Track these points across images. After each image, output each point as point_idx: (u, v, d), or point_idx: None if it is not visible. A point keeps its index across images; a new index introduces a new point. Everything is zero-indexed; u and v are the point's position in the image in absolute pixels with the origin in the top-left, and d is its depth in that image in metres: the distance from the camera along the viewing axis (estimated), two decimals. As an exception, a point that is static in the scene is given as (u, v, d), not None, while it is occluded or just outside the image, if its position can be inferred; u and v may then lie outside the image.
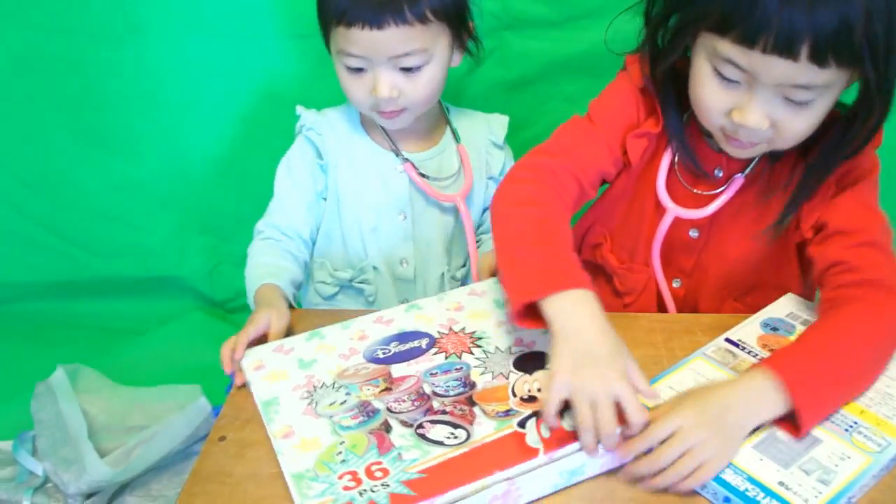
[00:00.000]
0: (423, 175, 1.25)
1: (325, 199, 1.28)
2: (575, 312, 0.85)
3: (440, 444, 0.81)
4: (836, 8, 0.80)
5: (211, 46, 1.60)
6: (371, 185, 1.26)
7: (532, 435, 0.82)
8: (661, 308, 1.16)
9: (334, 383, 0.91)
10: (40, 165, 1.75)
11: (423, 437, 0.83)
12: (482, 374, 0.91)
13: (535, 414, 0.84)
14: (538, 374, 0.90)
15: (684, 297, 1.15)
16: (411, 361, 0.94)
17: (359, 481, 0.78)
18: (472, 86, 1.54)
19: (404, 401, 0.88)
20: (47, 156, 1.74)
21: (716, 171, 1.06)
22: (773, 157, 1.02)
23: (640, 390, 0.81)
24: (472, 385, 0.90)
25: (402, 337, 0.98)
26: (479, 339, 0.97)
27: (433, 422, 0.84)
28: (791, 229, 1.04)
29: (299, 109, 1.27)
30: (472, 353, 0.95)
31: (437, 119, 1.30)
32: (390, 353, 0.95)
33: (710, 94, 0.93)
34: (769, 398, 0.82)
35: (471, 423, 0.84)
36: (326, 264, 1.29)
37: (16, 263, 1.82)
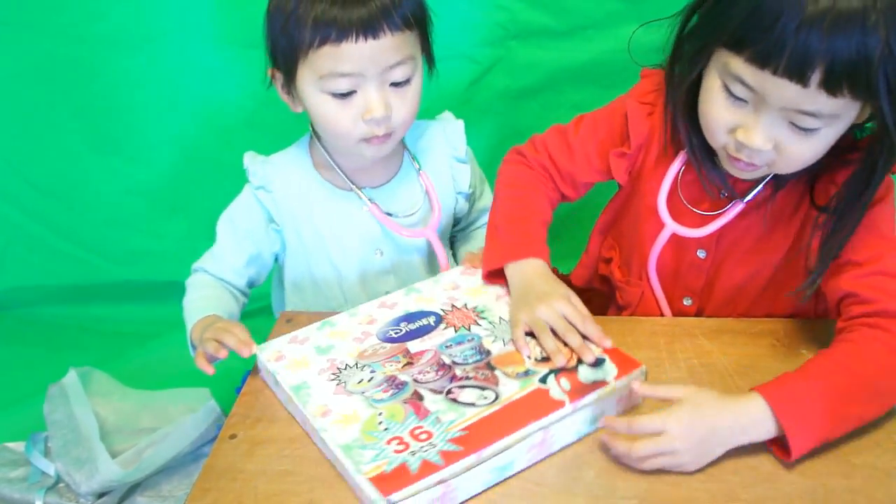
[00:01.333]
0: (389, 214, 1.21)
1: (280, 254, 1.26)
2: (526, 271, 1.04)
3: (472, 405, 0.87)
4: (855, 38, 0.78)
5: (221, 54, 1.62)
6: (338, 232, 1.22)
7: (555, 389, 0.89)
8: None
9: (357, 363, 0.94)
10: (54, 171, 1.77)
11: (454, 401, 0.88)
12: (493, 342, 0.97)
13: (553, 371, 0.91)
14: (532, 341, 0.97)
15: (696, 315, 1.15)
16: (424, 338, 0.98)
17: (406, 444, 0.82)
18: (479, 95, 1.56)
19: (428, 372, 0.93)
20: (62, 161, 1.77)
21: (721, 193, 1.05)
22: (777, 185, 1.01)
23: (581, 313, 0.96)
24: (487, 352, 0.96)
25: (410, 317, 1.02)
26: (482, 312, 1.03)
27: (461, 387, 0.90)
28: (802, 253, 1.02)
29: (247, 159, 1.21)
30: (479, 324, 1.00)
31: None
32: (402, 333, 0.99)
33: (717, 110, 0.92)
34: (760, 427, 0.85)
35: (496, 384, 0.90)
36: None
37: (29, 267, 1.85)
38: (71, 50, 1.63)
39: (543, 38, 1.53)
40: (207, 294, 1.20)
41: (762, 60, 0.83)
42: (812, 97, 0.82)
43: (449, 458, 0.80)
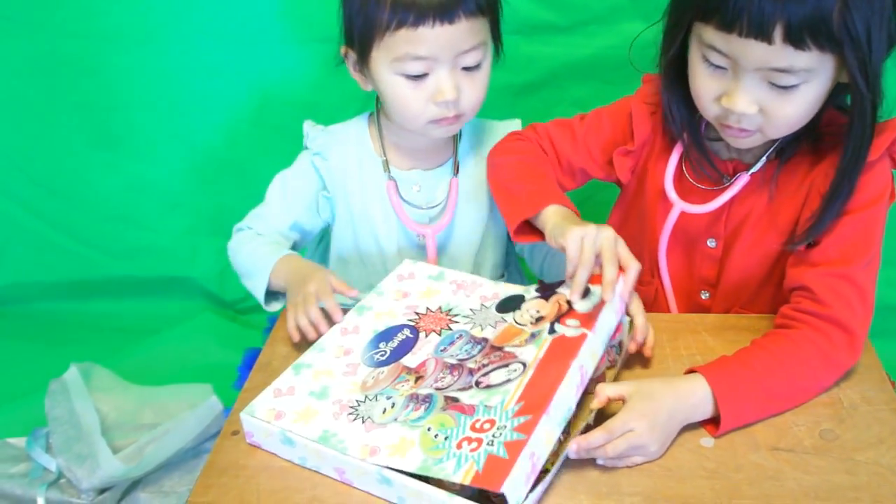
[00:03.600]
0: (403, 199, 1.22)
1: (331, 224, 1.27)
2: (559, 214, 1.01)
3: (508, 381, 0.87)
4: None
5: (223, 51, 1.62)
6: (386, 209, 1.23)
7: (569, 331, 0.92)
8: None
9: (366, 396, 0.89)
10: (55, 167, 1.77)
11: (489, 386, 0.87)
12: (482, 329, 0.97)
13: (554, 321, 0.94)
14: (525, 306, 0.99)
15: (711, 309, 1.16)
16: (414, 351, 0.95)
17: (478, 440, 0.79)
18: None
19: (443, 377, 0.90)
20: (62, 157, 1.77)
21: (724, 176, 1.07)
22: (781, 160, 1.03)
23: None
24: (484, 339, 0.95)
25: (385, 336, 0.98)
26: (450, 310, 1.02)
27: (486, 374, 0.89)
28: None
29: (306, 126, 1.24)
30: (456, 322, 0.99)
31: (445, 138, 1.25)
32: (387, 353, 0.95)
33: (700, 82, 0.97)
34: (703, 407, 0.90)
35: (514, 357, 0.90)
36: None
37: (30, 263, 1.85)
38: (71, 46, 1.63)
39: (545, 33, 1.53)
40: (267, 241, 1.20)
41: (727, 26, 0.88)
42: (780, 53, 0.87)
43: (525, 429, 0.79)
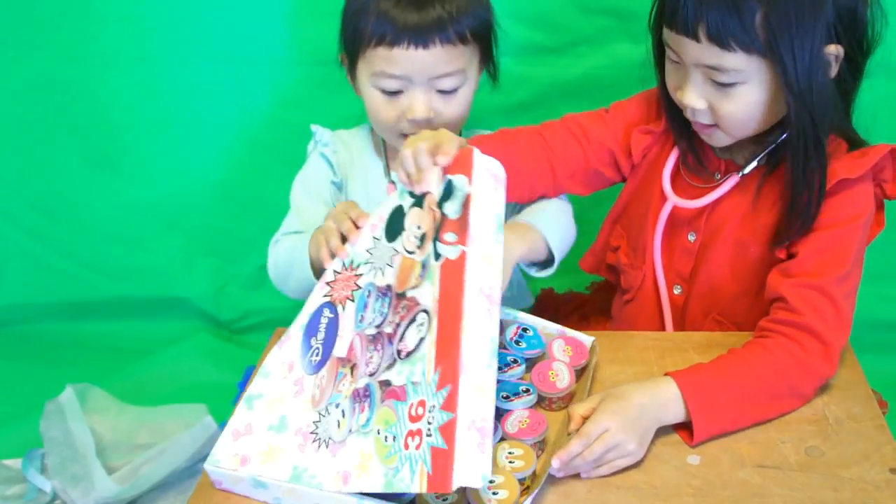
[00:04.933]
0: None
1: None
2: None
3: (421, 340, 0.83)
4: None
5: (218, 73, 1.63)
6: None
7: (448, 249, 0.86)
8: (659, 310, 1.19)
9: (319, 412, 0.88)
10: (50, 188, 1.78)
11: (408, 354, 0.84)
12: (383, 273, 0.92)
13: (434, 239, 0.88)
14: (407, 223, 0.93)
15: (683, 306, 1.18)
16: (339, 335, 0.93)
17: (418, 431, 0.78)
18: (472, 111, 1.56)
19: (371, 357, 0.88)
20: (57, 179, 1.77)
21: (716, 175, 1.11)
22: (768, 167, 1.06)
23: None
24: (388, 287, 0.91)
25: (310, 329, 0.95)
26: (352, 262, 0.97)
27: (402, 338, 0.86)
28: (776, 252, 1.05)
29: (314, 127, 1.28)
30: (360, 274, 0.95)
31: None
32: (320, 349, 0.93)
33: (668, 77, 1.06)
34: (673, 408, 0.92)
35: (418, 303, 0.86)
36: None
37: (25, 284, 1.85)
38: (67, 69, 1.63)
39: (535, 54, 1.54)
40: (299, 236, 1.17)
41: (668, 23, 0.99)
42: (709, 52, 0.95)
43: (449, 404, 0.76)
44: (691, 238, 1.14)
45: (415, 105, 1.13)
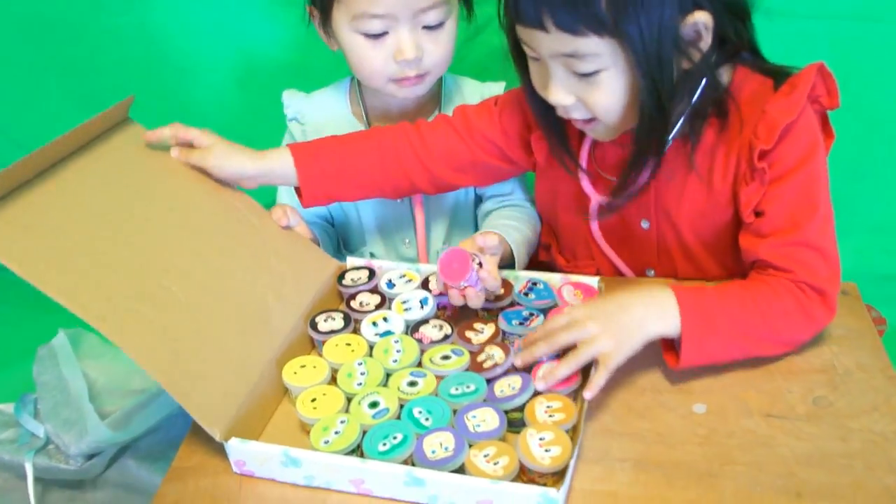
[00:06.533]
0: None
1: None
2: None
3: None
4: None
5: (212, 13, 1.59)
6: None
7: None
8: None
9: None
10: (39, 130, 1.72)
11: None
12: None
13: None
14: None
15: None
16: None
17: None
18: (472, 53, 1.53)
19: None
20: (48, 121, 1.73)
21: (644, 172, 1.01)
22: (695, 133, 0.98)
23: None
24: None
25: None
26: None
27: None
28: (738, 215, 1.00)
29: (285, 95, 1.23)
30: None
31: (430, 92, 1.24)
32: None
33: (532, 77, 0.98)
34: (662, 311, 0.88)
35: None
36: None
37: (17, 228, 1.83)
38: (57, 8, 1.59)
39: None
40: None
41: (514, 19, 0.91)
42: (561, 40, 0.87)
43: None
44: (645, 226, 1.08)
45: (402, 44, 1.08)
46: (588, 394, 0.84)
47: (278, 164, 1.08)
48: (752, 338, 0.91)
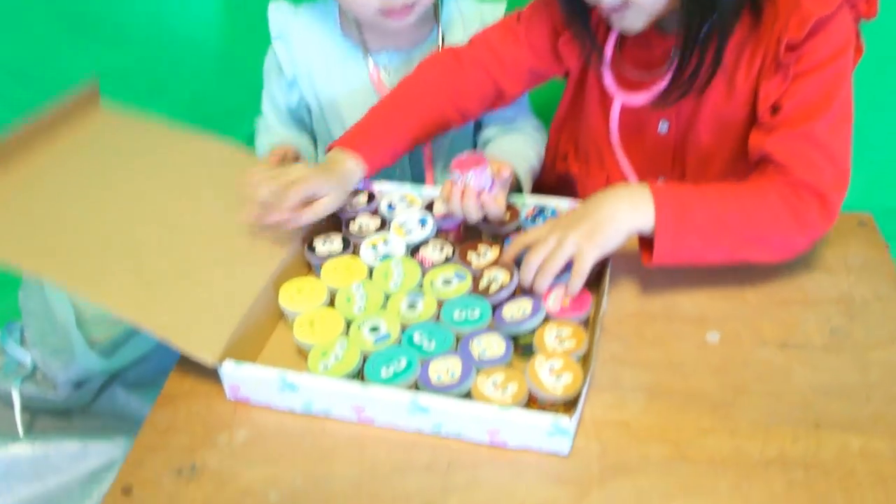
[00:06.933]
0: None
1: (308, 110, 1.22)
2: (331, 158, 1.00)
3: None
4: None
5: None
6: (354, 99, 1.17)
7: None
8: None
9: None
10: (22, 52, 1.68)
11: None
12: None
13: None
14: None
15: None
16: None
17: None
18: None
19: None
20: (33, 44, 1.67)
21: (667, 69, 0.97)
22: (723, 31, 0.92)
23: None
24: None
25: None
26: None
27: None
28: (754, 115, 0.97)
29: (271, 9, 1.18)
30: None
31: (427, 12, 1.17)
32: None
33: None
34: (635, 204, 0.85)
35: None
36: None
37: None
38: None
39: None
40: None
41: None
42: None
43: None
44: (663, 128, 1.04)
45: None
46: (568, 293, 0.84)
47: (346, 167, 1.00)
48: (734, 237, 0.86)
